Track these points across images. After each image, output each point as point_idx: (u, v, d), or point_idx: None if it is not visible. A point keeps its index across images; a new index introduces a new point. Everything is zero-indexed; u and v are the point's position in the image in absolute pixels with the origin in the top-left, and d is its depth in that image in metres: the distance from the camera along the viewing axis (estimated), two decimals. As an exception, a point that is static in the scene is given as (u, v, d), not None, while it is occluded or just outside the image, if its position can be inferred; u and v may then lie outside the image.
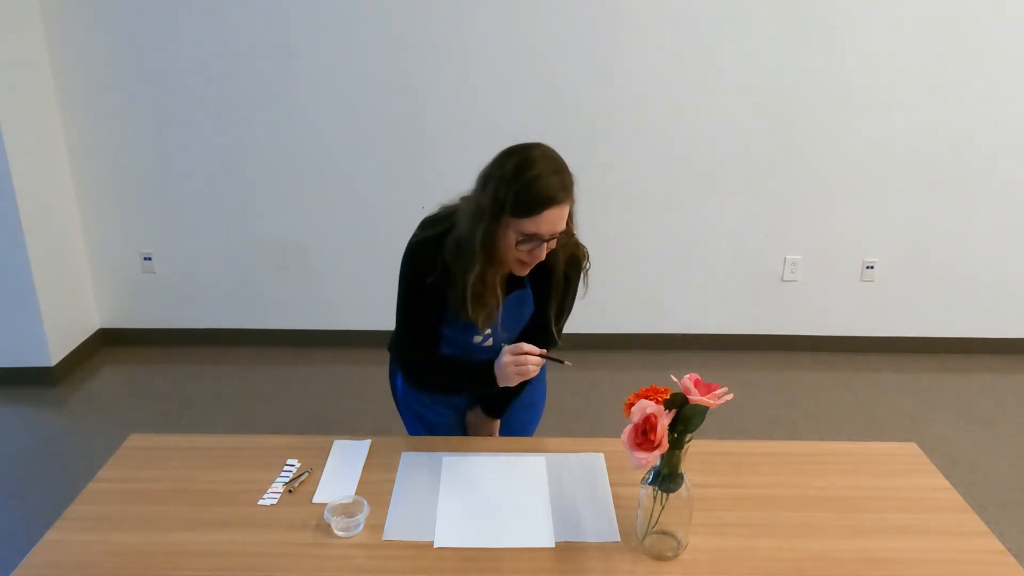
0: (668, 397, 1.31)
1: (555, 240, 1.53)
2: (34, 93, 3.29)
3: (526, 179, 1.45)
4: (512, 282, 1.65)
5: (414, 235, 1.64)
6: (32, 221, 3.27)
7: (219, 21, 3.31)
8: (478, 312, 1.60)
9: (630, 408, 1.31)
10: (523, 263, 1.56)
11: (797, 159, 3.52)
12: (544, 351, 1.59)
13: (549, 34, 3.32)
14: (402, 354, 1.76)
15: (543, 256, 1.54)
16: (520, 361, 1.57)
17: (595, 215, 3.54)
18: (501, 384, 1.62)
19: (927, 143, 3.49)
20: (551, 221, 1.47)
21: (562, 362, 1.59)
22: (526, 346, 1.58)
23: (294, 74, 3.39)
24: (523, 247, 1.51)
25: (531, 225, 1.47)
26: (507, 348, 1.60)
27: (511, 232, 1.49)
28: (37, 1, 3.27)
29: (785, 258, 3.69)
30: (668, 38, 3.33)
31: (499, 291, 1.61)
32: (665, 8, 3.28)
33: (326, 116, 3.45)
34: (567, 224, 1.56)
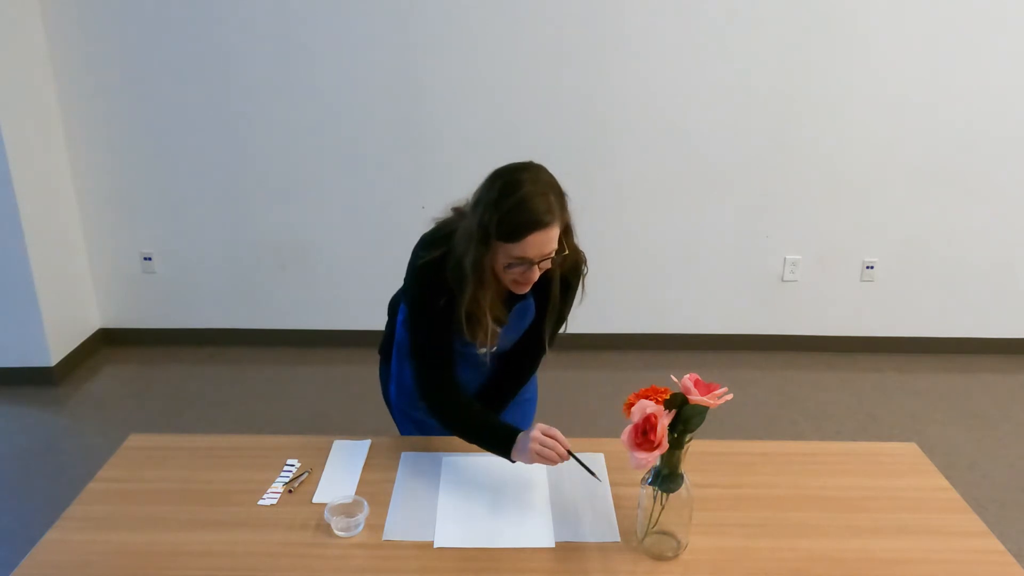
0: (668, 397, 1.31)
1: (548, 261, 1.51)
2: (34, 93, 3.29)
3: (510, 204, 1.43)
4: (515, 294, 1.64)
5: (418, 256, 1.61)
6: (32, 221, 3.27)
7: (219, 21, 3.31)
8: (475, 333, 1.59)
9: (630, 408, 1.31)
10: (519, 283, 1.54)
11: (797, 159, 3.52)
12: (572, 453, 1.49)
13: (551, 34, 3.32)
14: (421, 378, 1.67)
15: (535, 278, 1.52)
16: (547, 444, 1.47)
17: (595, 215, 3.55)
18: (515, 457, 1.53)
19: (927, 143, 3.49)
20: (537, 245, 1.45)
21: (593, 473, 1.49)
22: (559, 434, 1.49)
23: (294, 74, 3.39)
24: (513, 270, 1.50)
25: (517, 249, 1.45)
26: (540, 426, 1.51)
27: (500, 256, 1.49)
28: (37, 1, 3.27)
29: (785, 258, 3.69)
30: (670, 38, 3.33)
31: (495, 311, 1.59)
32: (667, 8, 3.28)
33: (326, 116, 3.45)
34: (565, 242, 1.55)
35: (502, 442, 1.55)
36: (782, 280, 3.74)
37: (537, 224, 1.44)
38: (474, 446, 1.70)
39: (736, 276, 3.73)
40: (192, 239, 3.67)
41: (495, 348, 1.72)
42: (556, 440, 1.48)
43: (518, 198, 1.43)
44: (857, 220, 3.62)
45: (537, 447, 1.47)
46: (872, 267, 3.70)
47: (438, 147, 3.50)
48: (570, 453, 1.48)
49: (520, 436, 1.53)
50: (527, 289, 1.57)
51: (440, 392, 1.65)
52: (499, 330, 1.64)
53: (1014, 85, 3.39)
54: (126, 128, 3.48)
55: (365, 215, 3.61)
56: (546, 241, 1.46)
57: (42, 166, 3.35)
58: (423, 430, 1.86)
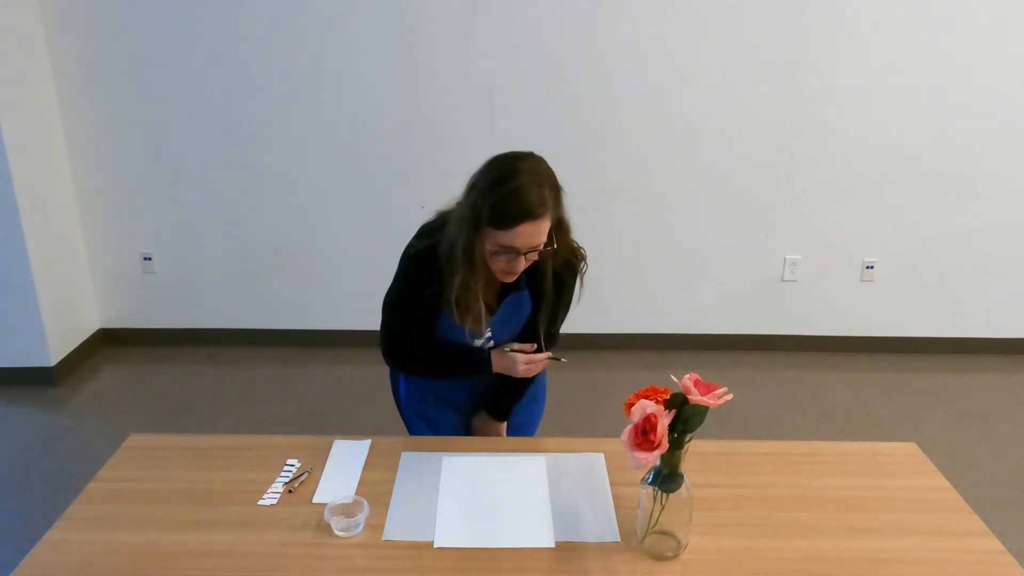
0: (668, 397, 1.31)
1: (536, 253, 1.51)
2: (34, 93, 3.29)
3: (503, 192, 1.44)
4: (509, 284, 1.65)
5: (411, 244, 1.64)
6: (32, 221, 3.27)
7: (220, 21, 3.31)
8: (464, 317, 1.60)
9: (630, 408, 1.31)
10: (505, 272, 1.55)
11: (797, 159, 3.52)
12: (548, 354, 1.71)
13: (552, 34, 3.32)
14: (385, 344, 1.76)
15: (521, 268, 1.53)
16: (532, 361, 1.68)
17: (595, 215, 3.55)
18: (498, 370, 1.70)
19: (927, 143, 3.49)
20: (526, 235, 1.46)
21: (559, 359, 1.71)
22: (533, 356, 1.69)
23: (294, 74, 3.39)
24: (499, 258, 1.51)
25: (506, 238, 1.46)
26: (515, 347, 1.70)
27: (488, 242, 1.49)
28: (37, 1, 3.27)
29: (785, 258, 3.69)
30: (670, 38, 3.33)
31: (486, 297, 1.61)
32: (668, 8, 3.28)
33: (327, 116, 3.45)
34: (560, 236, 1.55)
35: (482, 361, 1.71)
36: (782, 280, 3.74)
37: (528, 215, 1.44)
38: (475, 446, 1.70)
39: (736, 276, 3.73)
40: (192, 239, 3.67)
41: (492, 343, 1.72)
42: (536, 355, 1.68)
43: (512, 187, 1.44)
44: (857, 220, 3.62)
45: (525, 367, 1.67)
46: (872, 267, 3.70)
47: (438, 147, 3.50)
48: (551, 357, 1.71)
49: (494, 354, 1.70)
50: (513, 279, 1.58)
51: (400, 348, 1.75)
52: (489, 317, 1.64)
53: (1014, 86, 3.39)
54: (126, 128, 3.48)
55: (365, 215, 3.61)
56: (535, 233, 1.47)
57: (42, 166, 3.35)
58: (434, 428, 1.86)
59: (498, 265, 1.53)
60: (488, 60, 3.37)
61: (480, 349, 1.72)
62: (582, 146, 3.48)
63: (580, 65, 3.37)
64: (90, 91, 3.42)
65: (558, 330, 1.78)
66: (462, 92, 3.41)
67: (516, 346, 1.70)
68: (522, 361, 1.67)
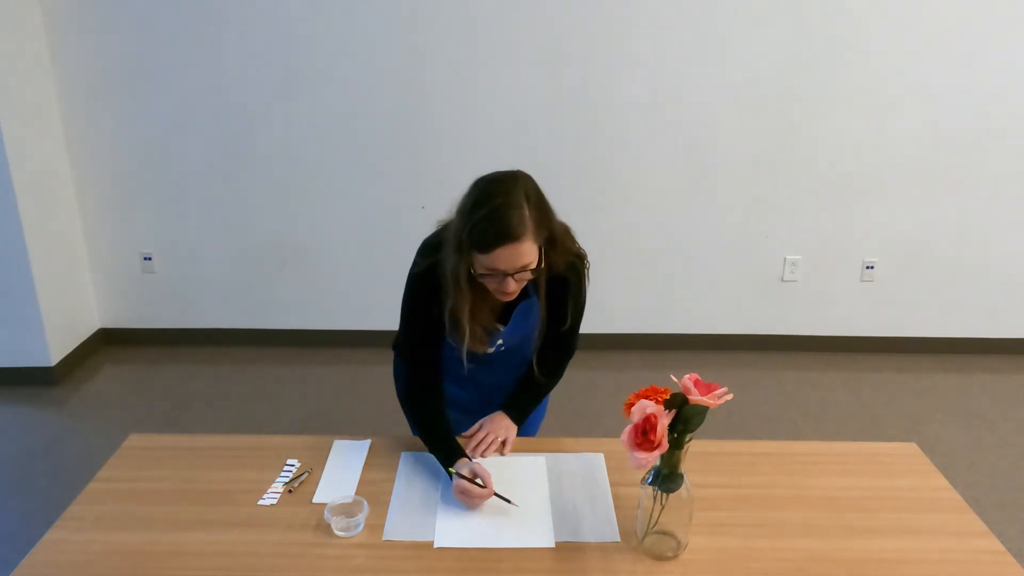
0: (668, 397, 1.31)
1: (527, 273, 1.50)
2: (34, 93, 3.29)
3: (481, 215, 1.43)
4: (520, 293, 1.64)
5: (414, 263, 1.64)
6: (32, 221, 3.27)
7: (220, 21, 3.31)
8: (457, 339, 1.60)
9: (630, 408, 1.31)
10: (499, 292, 1.54)
11: (797, 159, 3.52)
12: (497, 494, 1.50)
13: (551, 34, 3.32)
14: (402, 375, 1.76)
15: (511, 288, 1.51)
16: (465, 492, 1.48)
17: (595, 215, 3.54)
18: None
19: (927, 143, 3.49)
20: (507, 258, 1.44)
21: (509, 501, 1.50)
22: (481, 474, 1.49)
23: (294, 74, 3.39)
24: (488, 280, 1.51)
25: (488, 260, 1.45)
26: (465, 472, 1.50)
27: (476, 265, 1.49)
28: (38, 1, 3.27)
29: (785, 258, 3.69)
30: (670, 38, 3.33)
31: (482, 319, 1.60)
32: (668, 8, 3.28)
33: (326, 116, 3.45)
34: (553, 250, 1.54)
35: (445, 459, 1.57)
36: (782, 280, 3.74)
37: (507, 237, 1.43)
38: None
39: (736, 276, 3.73)
40: (192, 239, 3.67)
41: (503, 348, 1.72)
42: (474, 489, 1.47)
43: (489, 210, 1.43)
44: (857, 220, 3.62)
45: (457, 494, 1.50)
46: (872, 267, 3.70)
47: (438, 147, 3.50)
48: (496, 494, 1.49)
49: (457, 464, 1.54)
50: (509, 298, 1.56)
51: (414, 394, 1.72)
52: (485, 336, 1.64)
53: (1014, 85, 3.39)
54: (126, 128, 3.48)
55: (365, 215, 3.61)
56: (517, 255, 1.45)
57: (42, 166, 3.35)
58: None
59: (490, 286, 1.53)
60: (489, 60, 3.36)
61: (452, 450, 1.59)
62: (582, 147, 3.47)
63: (580, 66, 3.37)
64: (90, 91, 3.42)
65: (572, 334, 1.76)
66: (462, 92, 3.41)
67: (469, 473, 1.51)
68: (457, 487, 1.49)
